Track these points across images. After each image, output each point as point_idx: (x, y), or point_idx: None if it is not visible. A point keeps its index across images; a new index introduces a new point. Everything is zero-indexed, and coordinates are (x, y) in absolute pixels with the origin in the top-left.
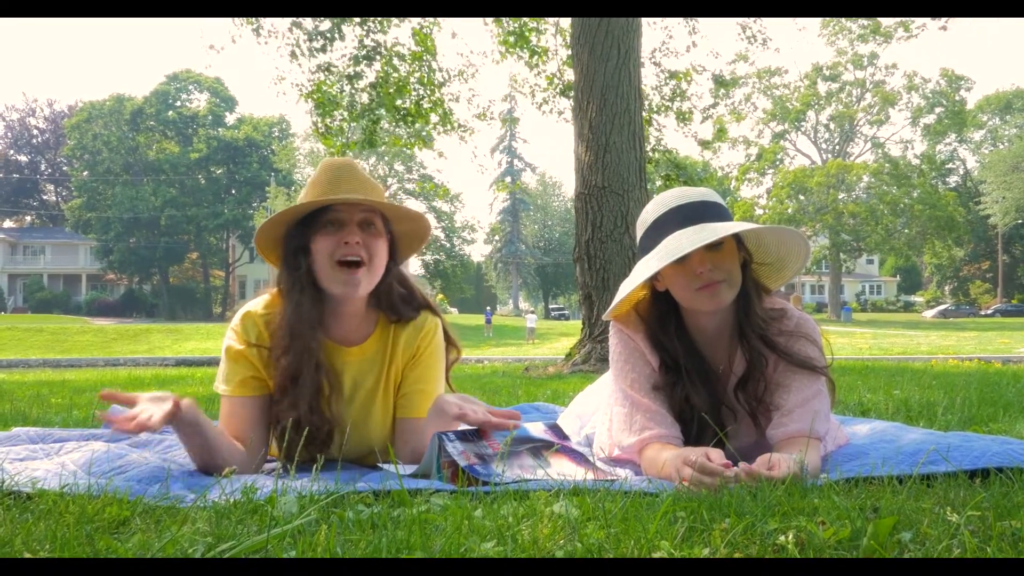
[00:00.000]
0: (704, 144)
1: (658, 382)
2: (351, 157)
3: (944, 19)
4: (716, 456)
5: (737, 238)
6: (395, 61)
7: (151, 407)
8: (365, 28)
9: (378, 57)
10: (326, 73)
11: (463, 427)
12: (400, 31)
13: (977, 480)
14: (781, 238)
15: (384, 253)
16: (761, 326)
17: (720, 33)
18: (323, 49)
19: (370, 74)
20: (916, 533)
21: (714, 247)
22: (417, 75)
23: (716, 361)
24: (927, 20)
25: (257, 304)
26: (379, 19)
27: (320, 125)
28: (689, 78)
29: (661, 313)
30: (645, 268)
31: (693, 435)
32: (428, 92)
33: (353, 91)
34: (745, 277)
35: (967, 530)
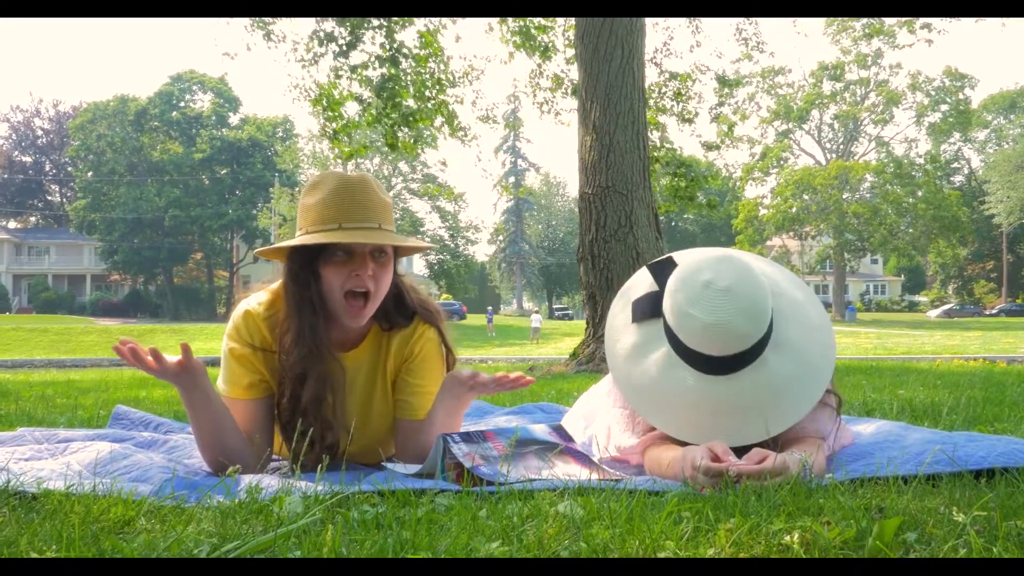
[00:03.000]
0: (709, 147)
1: None
2: (359, 163)
3: (931, 29)
4: (721, 450)
5: None
6: (403, 63)
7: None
8: (381, 29)
9: (387, 60)
10: (335, 76)
11: (468, 428)
12: (405, 34)
13: (983, 480)
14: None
15: (389, 279)
16: None
17: (724, 33)
18: (345, 52)
19: (378, 76)
20: (922, 533)
21: None
22: (425, 76)
23: None
24: (928, 24)
25: (258, 303)
26: (385, 21)
27: (328, 129)
28: (692, 79)
29: None
30: None
31: None
32: (434, 93)
33: (369, 97)
34: None
35: (973, 530)
